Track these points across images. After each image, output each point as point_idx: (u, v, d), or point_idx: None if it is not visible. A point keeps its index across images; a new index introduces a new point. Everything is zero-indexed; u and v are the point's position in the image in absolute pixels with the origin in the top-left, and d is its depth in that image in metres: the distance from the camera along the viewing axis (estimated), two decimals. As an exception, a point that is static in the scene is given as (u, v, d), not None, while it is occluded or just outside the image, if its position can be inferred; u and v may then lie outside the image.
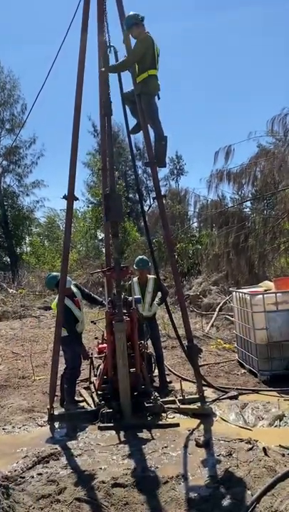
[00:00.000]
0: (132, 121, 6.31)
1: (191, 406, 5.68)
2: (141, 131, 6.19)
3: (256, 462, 4.03)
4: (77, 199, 6.01)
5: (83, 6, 5.83)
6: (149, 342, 6.63)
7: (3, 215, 31.69)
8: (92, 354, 6.82)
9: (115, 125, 28.16)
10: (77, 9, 5.85)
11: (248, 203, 15.84)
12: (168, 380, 6.86)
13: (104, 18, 6.02)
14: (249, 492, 3.61)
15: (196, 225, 18.10)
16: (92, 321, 7.67)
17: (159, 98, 5.97)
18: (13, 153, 30.71)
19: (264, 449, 4.23)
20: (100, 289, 17.45)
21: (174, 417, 5.46)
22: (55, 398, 5.95)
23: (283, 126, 12.99)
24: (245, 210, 15.28)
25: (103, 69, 5.87)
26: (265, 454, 4.15)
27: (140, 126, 6.14)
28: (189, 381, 6.78)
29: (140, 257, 7.11)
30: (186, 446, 4.59)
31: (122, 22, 5.96)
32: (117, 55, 5.94)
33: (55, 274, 6.45)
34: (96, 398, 5.93)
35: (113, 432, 5.08)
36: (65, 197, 5.83)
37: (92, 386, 6.54)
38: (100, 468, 4.19)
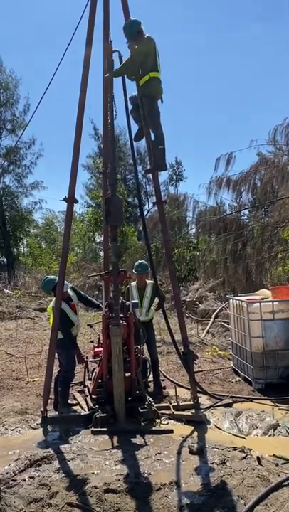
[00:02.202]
0: (134, 127, 6.33)
1: (185, 412, 5.67)
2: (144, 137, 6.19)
3: (250, 471, 4.02)
4: (77, 201, 6.01)
5: (88, 16, 5.86)
6: (145, 347, 6.62)
7: (2, 216, 31.67)
8: (87, 357, 6.78)
9: (117, 128, 28.22)
10: (83, 14, 5.89)
11: (247, 211, 15.90)
12: (162, 385, 6.84)
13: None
14: (242, 501, 3.59)
15: (194, 231, 18.12)
16: (88, 324, 7.65)
17: (162, 101, 5.96)
18: (14, 153, 30.74)
19: (258, 458, 4.22)
20: (96, 292, 17.45)
21: (167, 423, 5.44)
22: (49, 401, 5.91)
23: (286, 135, 13.06)
24: (243, 217, 15.33)
25: (107, 75, 5.89)
26: (259, 463, 4.14)
27: (143, 131, 6.14)
28: (184, 387, 6.76)
29: (140, 261, 7.09)
30: (179, 453, 4.56)
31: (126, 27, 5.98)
32: (121, 60, 5.94)
33: (51, 277, 6.42)
34: (90, 402, 5.90)
35: (106, 437, 5.04)
36: (65, 199, 5.83)
37: (86, 390, 6.51)
38: (93, 473, 4.16)
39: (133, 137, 6.23)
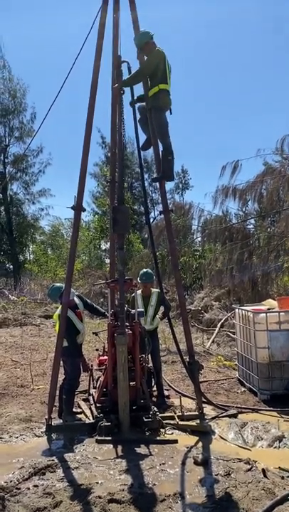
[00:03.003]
0: (142, 136, 6.38)
1: (190, 423, 5.64)
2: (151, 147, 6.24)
3: (255, 484, 3.99)
4: (84, 210, 6.05)
5: (98, 27, 5.94)
6: (149, 356, 6.60)
7: (8, 223, 31.86)
8: (92, 366, 6.78)
9: (124, 137, 28.42)
10: (93, 24, 5.97)
11: (253, 220, 15.91)
12: (166, 394, 6.81)
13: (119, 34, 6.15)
14: (247, 514, 3.56)
15: (199, 239, 18.15)
16: (93, 332, 7.64)
17: (171, 113, 6.02)
18: (22, 161, 30.99)
19: (263, 470, 4.19)
20: (102, 299, 17.46)
21: (172, 433, 5.41)
22: (54, 409, 5.91)
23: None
24: (249, 226, 15.34)
25: (116, 85, 5.95)
26: (264, 476, 4.11)
27: (150, 141, 6.20)
28: (189, 397, 6.73)
29: (144, 270, 7.10)
30: (184, 464, 4.54)
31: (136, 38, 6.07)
32: (130, 71, 6.01)
33: (58, 285, 6.44)
34: (94, 410, 5.89)
35: (111, 446, 5.03)
36: (73, 207, 5.87)
37: (91, 398, 6.49)
38: (97, 483, 4.15)
39: (140, 146, 6.29)
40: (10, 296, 19.84)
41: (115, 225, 5.73)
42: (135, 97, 6.12)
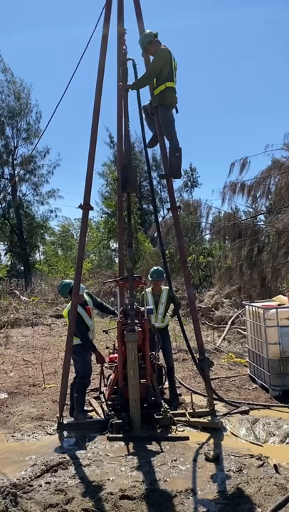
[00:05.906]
0: (148, 134, 6.38)
1: (202, 419, 5.62)
2: (157, 144, 6.24)
3: (267, 479, 3.97)
4: (92, 208, 6.06)
5: (104, 14, 5.95)
6: (160, 353, 6.60)
7: (19, 224, 32.09)
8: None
9: (132, 135, 28.42)
10: (98, 21, 5.98)
11: (262, 216, 15.79)
12: (178, 392, 6.81)
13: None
14: (259, 510, 3.55)
15: (208, 236, 18.05)
16: (104, 331, 7.66)
17: (177, 111, 6.01)
18: (30, 162, 31.21)
19: (275, 466, 4.17)
20: (112, 299, 17.51)
21: (183, 430, 5.41)
22: (65, 407, 5.94)
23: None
24: (259, 223, 15.22)
25: (121, 83, 5.95)
26: (276, 472, 4.09)
27: (157, 139, 6.19)
28: (200, 394, 6.72)
29: (155, 267, 7.08)
30: (195, 460, 4.54)
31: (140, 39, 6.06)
32: (136, 68, 6.00)
33: (68, 281, 6.47)
34: (106, 408, 5.91)
35: (122, 443, 5.05)
36: (80, 206, 5.89)
37: (102, 396, 6.52)
38: (108, 480, 4.17)
39: (147, 144, 6.29)
40: (21, 296, 20.00)
41: (126, 183, 5.76)
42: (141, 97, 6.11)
